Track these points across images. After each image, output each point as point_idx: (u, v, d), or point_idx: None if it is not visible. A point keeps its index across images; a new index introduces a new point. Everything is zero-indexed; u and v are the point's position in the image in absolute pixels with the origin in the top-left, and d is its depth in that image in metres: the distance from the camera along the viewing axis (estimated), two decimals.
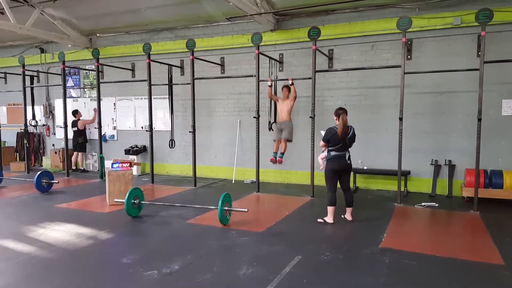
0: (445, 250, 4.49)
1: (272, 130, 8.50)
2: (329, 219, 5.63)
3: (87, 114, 11.16)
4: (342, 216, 5.78)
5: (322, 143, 5.68)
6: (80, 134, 10.77)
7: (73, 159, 10.86)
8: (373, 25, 7.90)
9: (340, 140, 5.46)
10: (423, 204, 6.75)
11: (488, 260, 4.19)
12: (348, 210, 5.77)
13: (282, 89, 7.82)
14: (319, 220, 5.69)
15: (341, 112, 5.49)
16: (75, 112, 10.78)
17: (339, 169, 5.62)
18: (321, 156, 5.89)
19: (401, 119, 6.58)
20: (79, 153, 10.85)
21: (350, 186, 5.88)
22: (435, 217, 6.23)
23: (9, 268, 4.05)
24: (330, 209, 5.63)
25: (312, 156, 7.29)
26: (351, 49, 8.20)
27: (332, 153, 5.56)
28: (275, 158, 7.85)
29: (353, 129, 5.61)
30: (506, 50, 6.93)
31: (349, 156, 5.64)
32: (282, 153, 7.80)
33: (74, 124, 10.72)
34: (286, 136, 7.67)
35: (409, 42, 7.57)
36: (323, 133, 5.78)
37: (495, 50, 6.87)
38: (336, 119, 5.56)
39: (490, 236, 5.02)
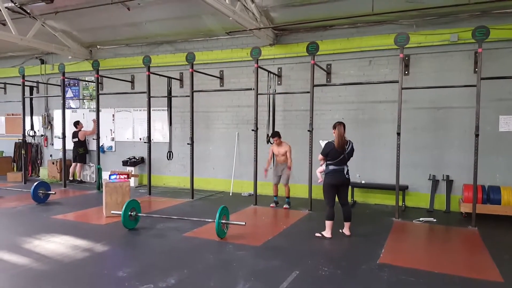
0: (443, 267, 4.47)
1: (271, 144, 8.52)
2: (327, 233, 5.60)
3: (86, 125, 11.15)
4: (340, 230, 5.75)
5: (320, 156, 5.71)
6: (81, 145, 10.77)
7: (71, 169, 10.83)
8: (371, 41, 8.00)
9: (339, 153, 5.48)
10: (421, 219, 6.74)
11: (486, 277, 4.18)
12: (346, 224, 5.74)
13: (272, 138, 7.80)
14: (317, 234, 5.67)
15: (337, 124, 5.55)
16: (77, 123, 10.79)
17: (337, 184, 5.62)
18: (319, 169, 5.92)
19: (398, 134, 6.61)
20: (78, 164, 10.83)
21: (348, 201, 5.88)
22: (433, 233, 6.22)
23: (3, 280, 4.00)
24: (328, 223, 5.60)
25: (310, 170, 7.30)
26: (349, 64, 8.28)
27: (331, 167, 5.58)
28: (276, 203, 7.91)
29: (352, 143, 5.64)
30: (503, 67, 7.01)
31: (348, 170, 5.64)
32: (288, 198, 7.86)
33: (75, 135, 10.73)
34: (285, 181, 7.73)
35: (406, 58, 7.66)
36: (322, 143, 5.81)
37: (492, 67, 6.95)
38: (334, 132, 5.59)
39: (489, 252, 5.01)
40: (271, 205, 7.92)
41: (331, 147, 5.52)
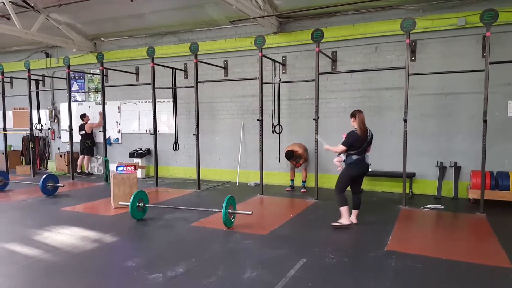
0: (451, 253, 4.45)
1: (276, 133, 8.51)
2: (345, 220, 5.43)
3: (92, 117, 11.21)
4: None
5: (342, 147, 5.36)
6: (88, 138, 10.83)
7: (79, 162, 10.92)
8: (377, 27, 7.89)
9: (362, 141, 5.28)
10: (428, 206, 6.71)
11: (495, 263, 4.15)
12: (355, 212, 5.65)
13: (289, 159, 8.06)
14: (334, 223, 5.44)
15: (356, 112, 5.37)
16: (83, 116, 10.84)
17: (360, 174, 5.49)
18: (338, 159, 5.60)
19: (405, 121, 6.55)
20: (85, 156, 10.90)
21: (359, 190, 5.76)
22: (440, 220, 6.19)
23: (15, 272, 4.07)
24: (344, 209, 5.42)
25: (316, 159, 7.27)
26: (354, 51, 8.19)
27: (354, 157, 5.35)
28: (292, 187, 8.30)
29: (372, 133, 5.48)
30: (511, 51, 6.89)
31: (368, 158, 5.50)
32: (304, 181, 8.24)
33: (82, 127, 10.79)
34: (304, 166, 8.15)
35: (413, 44, 7.55)
36: (322, 141, 5.69)
37: (500, 51, 6.83)
38: (353, 121, 5.39)
39: (497, 238, 4.98)
40: (287, 189, 8.28)
41: (355, 136, 5.28)
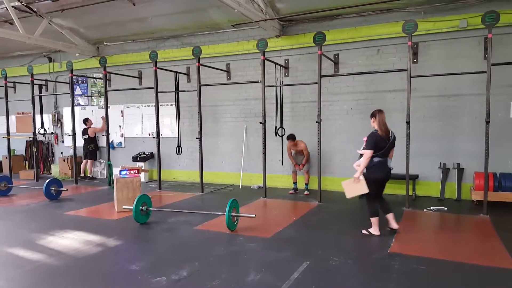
0: (455, 255, 4.44)
1: (279, 136, 8.52)
2: (375, 231, 5.16)
3: (95, 122, 11.25)
4: (388, 228, 5.28)
5: (367, 152, 4.93)
6: (91, 142, 10.88)
7: (82, 166, 10.95)
8: (379, 29, 7.90)
9: (384, 143, 4.98)
10: (431, 208, 6.70)
11: (499, 265, 4.14)
12: (390, 216, 5.25)
13: (288, 140, 8.08)
14: (364, 232, 5.24)
15: (377, 111, 5.10)
16: (86, 120, 10.89)
17: (384, 178, 5.16)
18: (362, 164, 5.02)
19: (408, 123, 6.55)
20: (89, 161, 10.94)
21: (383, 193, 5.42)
22: (444, 221, 6.18)
23: (19, 276, 4.08)
24: (374, 220, 5.16)
25: (319, 161, 7.27)
26: (356, 53, 8.20)
27: (375, 159, 5.00)
28: (295, 190, 8.29)
29: (394, 135, 5.20)
30: None
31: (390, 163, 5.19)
32: (307, 184, 8.24)
33: (85, 132, 10.83)
34: (306, 169, 8.16)
35: (415, 46, 7.56)
36: (356, 167, 5.09)
37: (502, 52, 6.82)
38: (373, 121, 5.12)
39: (501, 240, 4.96)
40: (290, 191, 8.31)
41: (377, 137, 4.96)
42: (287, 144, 8.17)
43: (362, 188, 4.99)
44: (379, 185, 5.21)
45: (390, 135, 5.09)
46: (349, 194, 5.19)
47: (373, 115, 5.15)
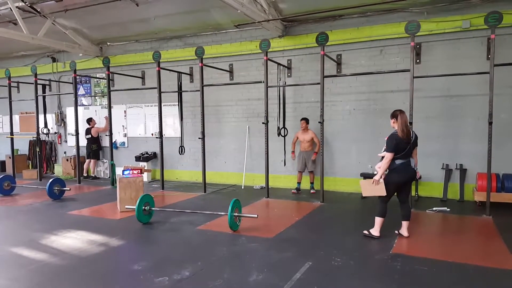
0: (457, 256, 4.44)
1: (281, 136, 8.52)
2: (375, 232, 5.09)
3: (98, 122, 11.29)
4: (396, 232, 5.24)
5: (388, 154, 4.80)
6: (94, 141, 10.91)
7: (85, 166, 10.98)
8: (381, 30, 7.90)
9: (405, 144, 4.80)
10: (434, 209, 6.69)
11: (502, 266, 4.13)
12: (405, 224, 5.13)
13: (300, 121, 8.17)
14: (365, 232, 5.18)
15: (398, 112, 4.90)
16: (89, 120, 10.93)
17: (406, 180, 4.99)
18: (382, 167, 4.90)
19: (410, 123, 6.53)
20: (92, 160, 10.98)
21: (409, 198, 5.29)
22: (446, 222, 6.16)
23: (22, 276, 4.10)
24: (379, 220, 5.06)
25: (322, 161, 7.27)
26: (359, 54, 8.20)
27: (397, 161, 4.85)
28: (298, 190, 8.32)
29: (415, 133, 5.03)
30: None
31: (414, 163, 5.01)
32: (312, 183, 8.32)
33: (88, 131, 10.87)
34: (312, 168, 8.22)
35: (418, 46, 7.54)
36: (377, 168, 5.00)
37: (505, 53, 6.80)
38: (393, 122, 4.95)
39: (503, 241, 4.95)
40: (292, 191, 8.34)
41: (396, 138, 4.79)
42: (295, 133, 8.37)
43: (380, 190, 4.93)
44: (400, 187, 5.04)
45: (412, 135, 4.91)
46: (365, 193, 5.16)
47: (394, 115, 4.95)
